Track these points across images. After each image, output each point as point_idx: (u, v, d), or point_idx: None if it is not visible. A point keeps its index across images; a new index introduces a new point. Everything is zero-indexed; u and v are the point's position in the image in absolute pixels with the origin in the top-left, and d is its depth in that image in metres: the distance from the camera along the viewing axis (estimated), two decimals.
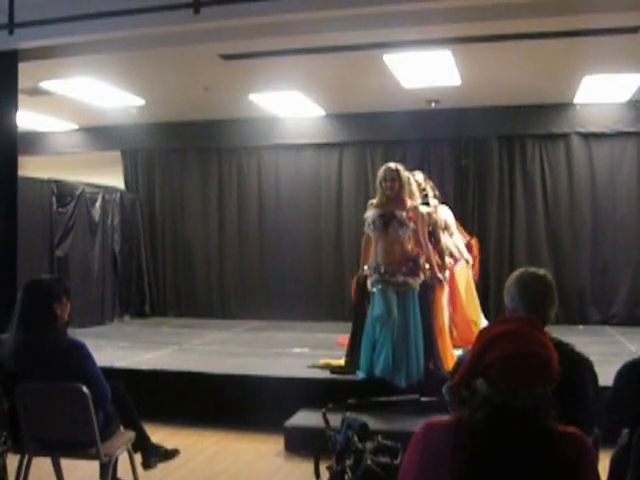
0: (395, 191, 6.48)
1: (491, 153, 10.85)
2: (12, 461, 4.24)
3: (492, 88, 9.34)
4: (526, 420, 2.02)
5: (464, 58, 7.73)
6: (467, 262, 8.40)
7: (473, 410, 2.06)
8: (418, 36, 6.85)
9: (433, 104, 10.09)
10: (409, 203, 6.56)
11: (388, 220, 6.43)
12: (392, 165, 6.62)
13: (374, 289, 6.45)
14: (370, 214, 6.56)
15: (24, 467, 4.28)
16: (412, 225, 6.49)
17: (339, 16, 6.17)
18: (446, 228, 8.18)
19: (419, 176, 7.85)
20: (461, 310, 8.07)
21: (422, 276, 6.54)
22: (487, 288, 10.17)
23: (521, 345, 2.05)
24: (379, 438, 3.66)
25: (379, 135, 11.04)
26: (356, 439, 3.64)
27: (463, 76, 8.45)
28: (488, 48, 7.40)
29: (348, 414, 3.85)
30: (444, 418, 2.18)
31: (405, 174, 6.70)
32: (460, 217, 9.12)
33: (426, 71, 8.23)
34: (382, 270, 6.40)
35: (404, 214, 6.41)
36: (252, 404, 6.64)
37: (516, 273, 3.34)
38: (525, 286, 3.23)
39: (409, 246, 6.51)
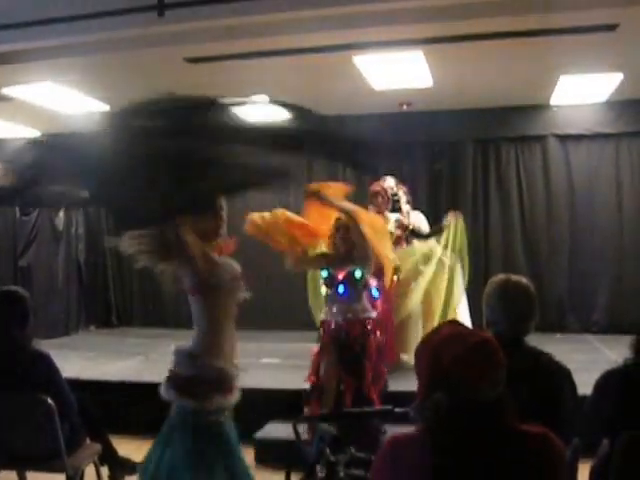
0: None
1: (465, 157, 10.75)
2: None
3: (465, 90, 9.22)
4: (492, 418, 2.01)
5: (436, 59, 7.62)
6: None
7: (440, 425, 2.04)
8: (389, 36, 6.75)
9: (405, 107, 9.99)
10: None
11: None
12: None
13: None
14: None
15: None
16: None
17: (307, 17, 6.10)
18: None
19: (390, 181, 7.77)
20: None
21: None
22: None
23: (468, 339, 2.05)
24: (352, 450, 3.57)
25: None
26: (328, 451, 3.55)
27: (435, 77, 8.34)
28: (460, 48, 7.27)
29: (320, 426, 3.76)
30: (408, 431, 2.17)
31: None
32: (433, 223, 8.98)
33: (397, 72, 8.14)
34: None
35: None
36: None
37: (497, 282, 3.24)
38: (507, 299, 3.17)
39: None
